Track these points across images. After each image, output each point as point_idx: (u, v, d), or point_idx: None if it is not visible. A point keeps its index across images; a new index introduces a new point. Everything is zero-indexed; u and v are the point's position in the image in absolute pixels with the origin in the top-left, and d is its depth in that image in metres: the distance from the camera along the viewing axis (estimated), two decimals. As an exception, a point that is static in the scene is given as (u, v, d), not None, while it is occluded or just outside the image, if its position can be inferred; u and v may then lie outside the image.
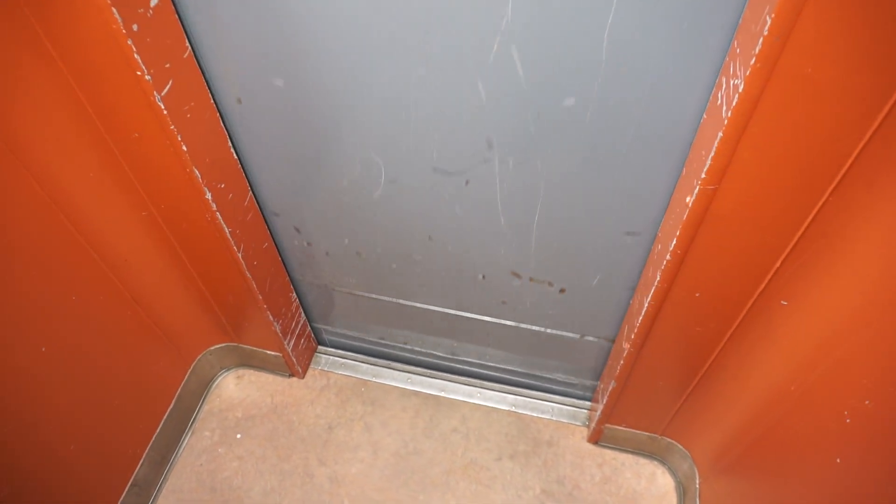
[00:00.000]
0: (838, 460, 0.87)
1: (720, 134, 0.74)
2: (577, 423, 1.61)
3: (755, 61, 0.66)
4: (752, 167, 0.77)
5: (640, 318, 1.08)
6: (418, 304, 1.47)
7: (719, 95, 0.76)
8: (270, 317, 1.44)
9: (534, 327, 1.41)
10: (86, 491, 1.28)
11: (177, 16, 0.90)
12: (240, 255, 1.23)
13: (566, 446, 1.58)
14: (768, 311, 0.97)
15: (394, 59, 0.89)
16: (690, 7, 0.74)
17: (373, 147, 1.05)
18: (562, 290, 1.26)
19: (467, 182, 1.07)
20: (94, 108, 0.98)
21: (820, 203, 0.79)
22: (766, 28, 0.62)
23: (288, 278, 1.48)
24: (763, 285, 0.94)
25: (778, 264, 0.90)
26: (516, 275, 1.26)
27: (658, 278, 0.98)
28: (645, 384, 1.29)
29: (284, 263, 1.44)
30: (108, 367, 1.28)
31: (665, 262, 0.95)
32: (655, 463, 1.54)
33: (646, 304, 1.05)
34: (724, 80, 0.75)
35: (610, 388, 1.34)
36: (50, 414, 1.15)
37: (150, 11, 0.84)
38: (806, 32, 0.62)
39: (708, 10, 0.74)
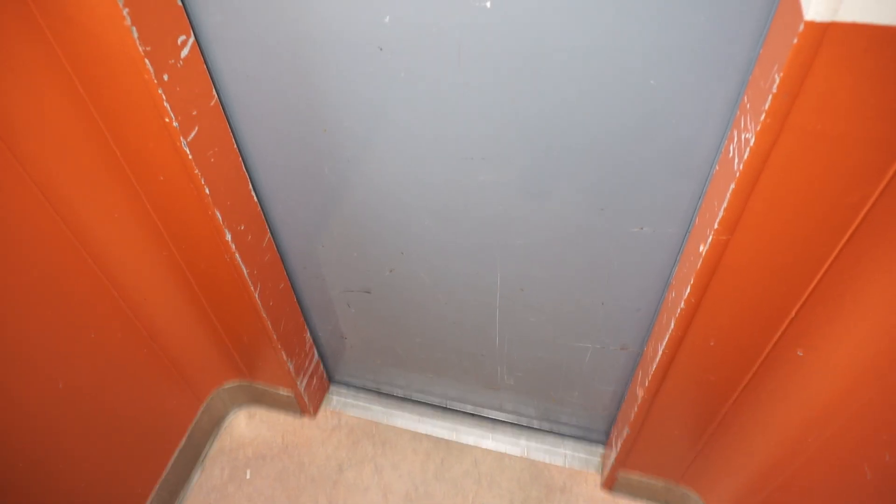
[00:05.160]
0: (859, 516, 0.85)
1: (732, 185, 0.75)
2: (591, 470, 1.58)
3: (765, 117, 0.67)
4: (765, 218, 0.77)
5: (655, 364, 1.08)
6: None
7: (731, 148, 0.77)
8: (284, 356, 1.44)
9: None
10: (95, 529, 1.28)
11: (205, 66, 0.94)
12: (256, 295, 1.25)
13: (579, 493, 1.55)
14: (784, 360, 0.97)
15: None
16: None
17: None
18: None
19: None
20: (121, 150, 1.01)
21: (834, 253, 0.79)
22: (776, 86, 0.64)
23: (303, 318, 1.49)
24: (778, 335, 0.94)
25: (793, 314, 0.89)
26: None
27: (672, 326, 0.98)
28: (660, 431, 1.27)
29: (300, 303, 1.46)
30: (122, 403, 1.29)
31: (679, 310, 0.95)
32: (671, 513, 1.51)
33: (660, 352, 1.05)
34: (735, 133, 0.77)
35: (624, 435, 1.32)
36: (62, 449, 1.15)
37: (181, 62, 0.88)
38: (815, 89, 0.63)
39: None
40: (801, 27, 0.58)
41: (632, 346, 1.24)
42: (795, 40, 0.59)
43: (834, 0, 0.55)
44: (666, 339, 1.02)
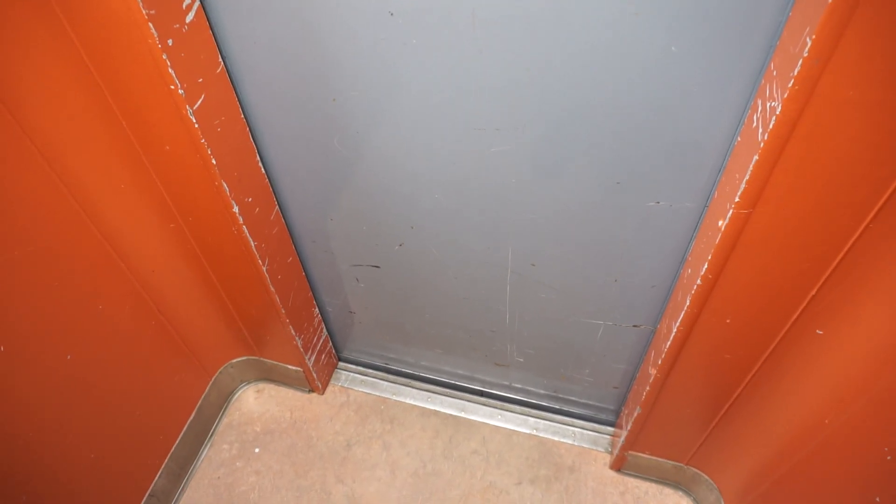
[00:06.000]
0: (877, 499, 0.83)
1: (755, 157, 0.72)
2: (600, 449, 1.57)
3: (793, 84, 0.64)
4: (789, 191, 0.75)
5: (668, 343, 1.06)
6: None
7: (755, 118, 0.74)
8: (292, 331, 1.44)
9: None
10: (104, 499, 1.28)
11: (211, 32, 0.91)
12: (264, 269, 1.23)
13: (588, 472, 1.54)
14: (803, 340, 0.94)
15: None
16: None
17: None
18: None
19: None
20: (126, 120, 0.99)
21: (860, 229, 0.76)
22: (807, 50, 0.61)
23: (311, 293, 1.48)
24: (797, 313, 0.91)
25: (814, 292, 0.87)
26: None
27: (688, 303, 0.96)
28: (671, 411, 1.25)
29: (308, 278, 1.44)
30: (131, 377, 1.28)
31: (695, 287, 0.93)
32: (680, 493, 1.50)
33: (674, 330, 1.02)
34: (759, 102, 0.74)
35: (635, 415, 1.30)
36: (72, 420, 1.15)
37: (186, 27, 0.85)
38: (848, 54, 0.60)
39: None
40: (837, -15, 0.55)
41: (645, 323, 1.22)
42: (829, 2, 0.56)
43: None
44: (681, 317, 0.99)
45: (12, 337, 0.98)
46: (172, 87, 0.88)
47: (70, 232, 1.04)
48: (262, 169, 1.13)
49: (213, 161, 0.99)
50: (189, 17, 0.86)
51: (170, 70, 0.85)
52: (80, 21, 0.85)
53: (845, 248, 0.79)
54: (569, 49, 0.80)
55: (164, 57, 0.84)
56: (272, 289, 1.29)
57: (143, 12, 0.79)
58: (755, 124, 0.74)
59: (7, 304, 0.96)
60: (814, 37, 0.59)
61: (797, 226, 0.79)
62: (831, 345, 0.91)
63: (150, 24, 0.80)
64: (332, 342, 1.70)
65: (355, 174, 1.11)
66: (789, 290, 0.88)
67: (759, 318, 0.95)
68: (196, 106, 0.92)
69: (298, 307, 1.43)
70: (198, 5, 0.87)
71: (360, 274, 1.38)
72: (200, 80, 0.91)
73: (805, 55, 0.61)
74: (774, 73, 0.70)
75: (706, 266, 0.88)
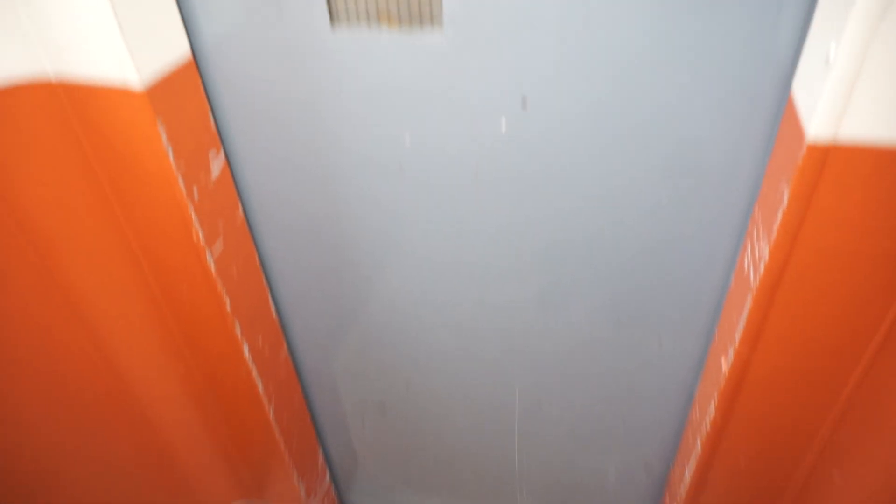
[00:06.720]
0: None
1: (749, 299, 0.75)
2: None
3: (776, 234, 0.68)
4: (788, 332, 0.76)
5: (685, 487, 1.02)
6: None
7: (745, 261, 0.78)
8: (296, 476, 1.39)
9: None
10: None
11: (234, 183, 0.98)
12: (271, 413, 1.22)
13: None
14: (820, 483, 0.91)
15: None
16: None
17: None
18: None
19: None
20: (147, 261, 1.03)
21: (862, 365, 0.76)
22: (785, 199, 0.65)
23: (315, 436, 1.45)
24: (813, 451, 0.89)
25: (825, 430, 0.85)
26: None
27: (699, 446, 0.94)
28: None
29: (314, 420, 1.42)
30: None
31: (705, 431, 0.91)
32: None
33: (687, 475, 0.99)
34: (748, 243, 0.77)
35: (654, 568, 1.22)
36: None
37: (211, 183, 0.92)
38: (826, 202, 0.64)
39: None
40: (804, 150, 0.60)
41: (656, 464, 1.18)
42: (800, 162, 0.61)
43: (835, 117, 0.57)
44: (693, 461, 0.97)
45: (19, 471, 0.96)
46: (195, 235, 0.93)
47: (81, 368, 1.05)
48: (274, 312, 1.16)
49: (227, 303, 1.03)
50: (215, 173, 0.93)
51: (193, 220, 0.91)
52: (114, 170, 0.91)
53: (850, 386, 0.79)
54: (566, 202, 0.86)
55: (189, 210, 0.90)
56: (277, 433, 1.27)
57: (173, 167, 0.86)
58: (747, 267, 0.77)
59: (14, 432, 0.95)
60: (790, 186, 0.64)
61: (800, 365, 0.79)
62: (848, 485, 0.87)
63: (180, 179, 0.87)
64: (335, 486, 1.63)
65: (363, 317, 1.13)
66: (801, 429, 0.87)
67: (775, 459, 0.92)
68: (216, 252, 0.97)
69: (302, 451, 1.39)
70: (223, 161, 0.94)
71: (366, 415, 1.36)
72: (221, 227, 0.97)
73: (784, 206, 0.65)
74: (759, 218, 0.74)
75: (713, 408, 0.88)
